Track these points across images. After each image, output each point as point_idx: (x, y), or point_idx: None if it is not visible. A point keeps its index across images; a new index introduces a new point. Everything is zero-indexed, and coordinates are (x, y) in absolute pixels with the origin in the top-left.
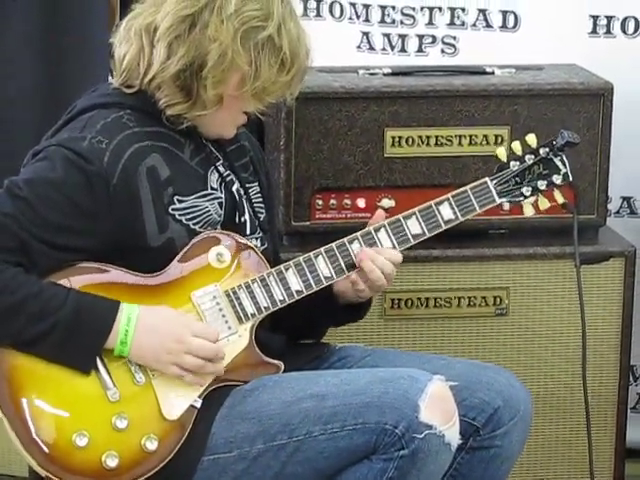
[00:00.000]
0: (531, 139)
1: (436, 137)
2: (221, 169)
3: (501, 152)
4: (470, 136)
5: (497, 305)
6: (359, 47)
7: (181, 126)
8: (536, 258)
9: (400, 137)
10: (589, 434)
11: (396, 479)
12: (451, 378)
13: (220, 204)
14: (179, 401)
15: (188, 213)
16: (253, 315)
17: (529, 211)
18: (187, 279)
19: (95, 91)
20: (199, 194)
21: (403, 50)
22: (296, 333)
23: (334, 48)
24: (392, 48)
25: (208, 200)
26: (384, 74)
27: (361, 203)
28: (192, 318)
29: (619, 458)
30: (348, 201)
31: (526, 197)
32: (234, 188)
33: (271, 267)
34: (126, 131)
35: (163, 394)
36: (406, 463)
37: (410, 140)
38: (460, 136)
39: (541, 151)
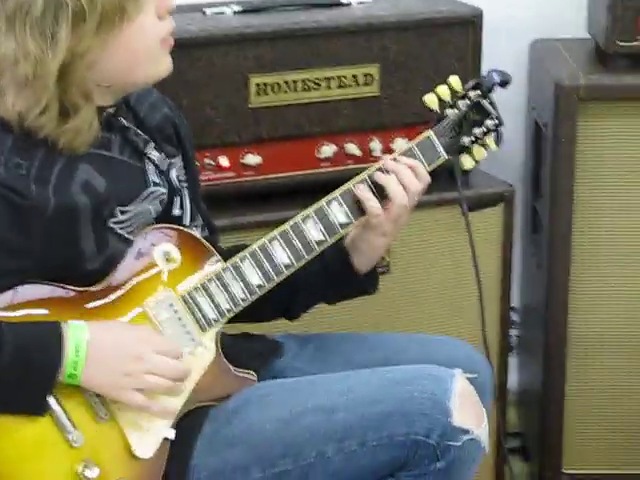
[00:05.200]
0: (456, 82)
1: (302, 81)
2: (154, 155)
3: (431, 99)
4: (339, 77)
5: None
6: None
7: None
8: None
9: (265, 84)
10: None
11: None
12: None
13: (161, 201)
14: (149, 435)
15: (129, 225)
16: (216, 321)
17: (469, 164)
18: (135, 288)
19: None
20: (142, 196)
21: None
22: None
23: None
24: None
25: (150, 201)
26: (234, 12)
27: (224, 162)
28: (150, 331)
29: None
30: (210, 161)
31: (467, 148)
32: (173, 175)
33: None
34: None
35: (131, 428)
36: (440, 477)
37: (276, 87)
38: (329, 78)
39: (472, 94)
